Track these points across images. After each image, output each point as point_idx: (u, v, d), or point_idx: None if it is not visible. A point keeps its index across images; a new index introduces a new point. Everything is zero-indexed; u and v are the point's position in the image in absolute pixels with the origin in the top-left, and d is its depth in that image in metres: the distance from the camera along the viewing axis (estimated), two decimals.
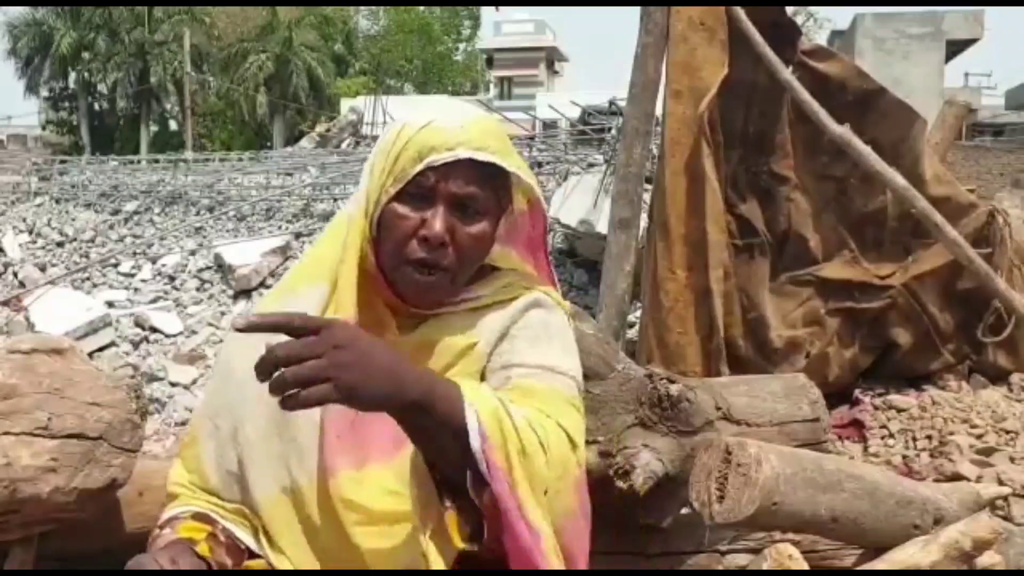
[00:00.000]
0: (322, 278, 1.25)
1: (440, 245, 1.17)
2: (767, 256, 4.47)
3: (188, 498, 1.28)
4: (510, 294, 1.28)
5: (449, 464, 1.04)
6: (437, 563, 1.05)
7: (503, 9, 42.97)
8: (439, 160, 1.16)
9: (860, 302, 4.50)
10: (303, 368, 0.93)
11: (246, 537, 1.25)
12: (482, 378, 1.23)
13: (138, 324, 9.24)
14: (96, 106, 39.89)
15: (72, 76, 39.09)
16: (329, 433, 1.18)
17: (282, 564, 1.21)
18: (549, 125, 17.62)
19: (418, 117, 1.20)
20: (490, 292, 1.28)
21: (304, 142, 21.25)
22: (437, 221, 1.17)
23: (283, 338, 1.24)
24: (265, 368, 0.93)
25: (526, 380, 1.18)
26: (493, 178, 1.20)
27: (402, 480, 1.14)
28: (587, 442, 1.40)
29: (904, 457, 3.92)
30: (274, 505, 1.22)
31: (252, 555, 1.25)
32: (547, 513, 1.05)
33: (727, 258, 4.28)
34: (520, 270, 1.35)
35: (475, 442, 1.01)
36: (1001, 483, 3.32)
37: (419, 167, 1.16)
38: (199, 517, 1.25)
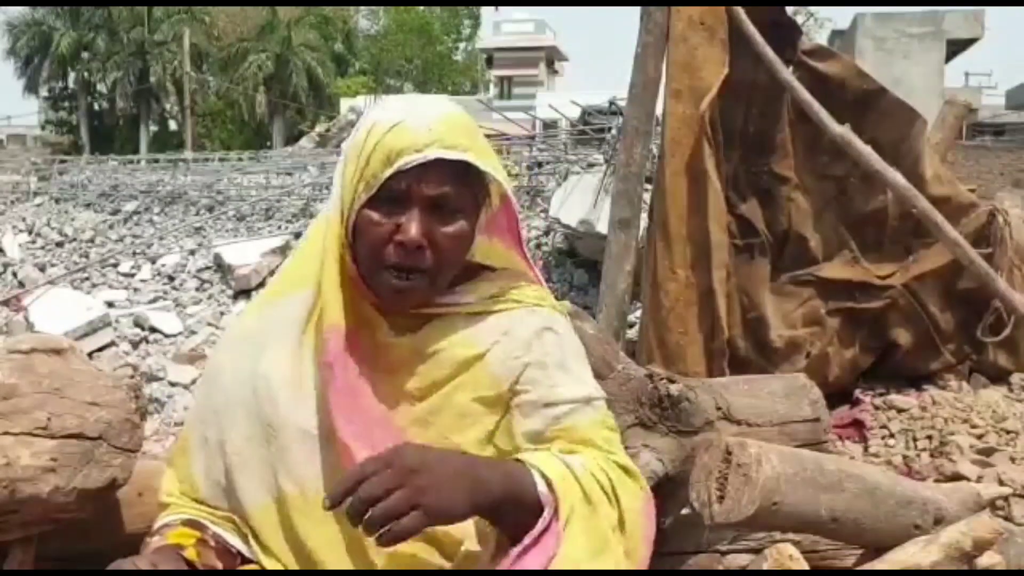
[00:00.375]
0: (306, 283, 1.24)
1: (417, 249, 1.15)
2: (767, 256, 4.47)
3: (179, 507, 1.27)
4: (505, 303, 1.25)
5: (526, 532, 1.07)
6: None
7: (502, 9, 42.99)
8: (409, 163, 1.13)
9: (860, 302, 4.50)
10: (387, 504, 0.95)
11: (237, 542, 1.24)
12: (504, 399, 1.22)
13: (138, 324, 9.24)
14: (96, 106, 39.88)
15: (72, 76, 39.09)
16: (345, 434, 1.16)
17: (275, 566, 1.21)
18: (549, 125, 17.61)
19: (386, 116, 1.17)
20: (483, 297, 1.25)
21: (304, 142, 21.27)
22: (412, 225, 1.14)
23: (287, 327, 1.22)
24: (355, 513, 0.96)
25: (573, 419, 1.19)
26: (467, 175, 1.17)
27: None
28: None
29: (904, 457, 3.92)
30: (263, 513, 1.21)
31: (244, 560, 1.24)
32: (623, 555, 1.10)
33: (728, 258, 4.28)
34: (510, 265, 1.32)
35: (548, 513, 1.05)
36: (1002, 483, 3.32)
37: (389, 171, 1.13)
38: (189, 524, 1.24)
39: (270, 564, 1.21)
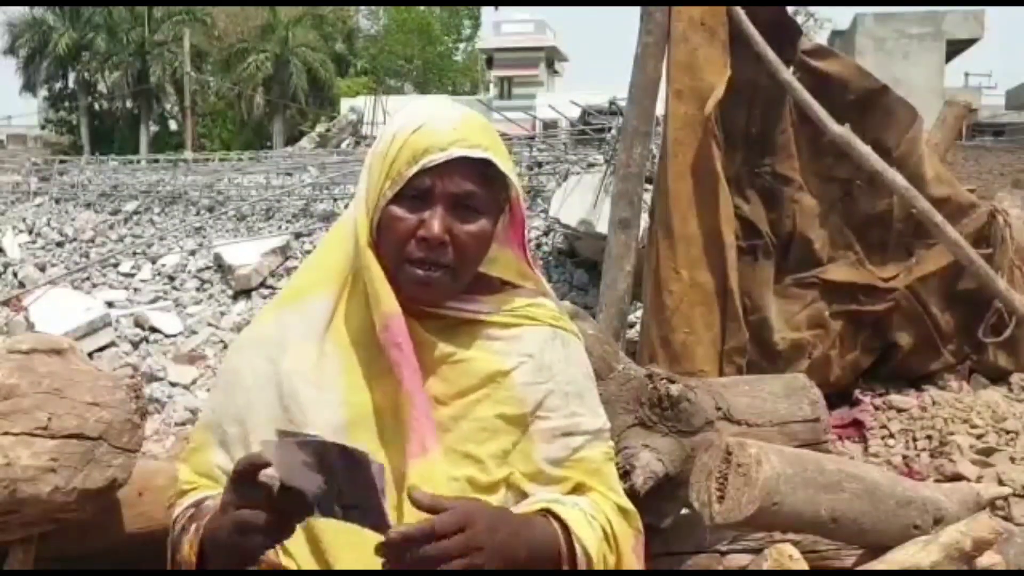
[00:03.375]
0: (330, 284, 1.27)
1: (439, 245, 1.19)
2: (771, 258, 4.45)
3: (204, 488, 1.27)
4: (525, 318, 1.30)
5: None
6: None
7: (502, 9, 42.95)
8: (434, 161, 1.17)
9: (864, 305, 4.49)
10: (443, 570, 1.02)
11: None
12: (525, 420, 1.26)
13: (138, 324, 9.23)
14: (96, 106, 39.85)
15: (72, 76, 39.08)
16: (419, 410, 1.20)
17: (288, 564, 1.21)
18: (549, 125, 17.60)
19: (410, 120, 1.22)
20: (502, 310, 1.29)
21: (304, 142, 21.26)
22: (435, 222, 1.18)
23: (309, 329, 1.26)
24: (399, 554, 1.00)
25: (586, 451, 1.27)
26: (488, 176, 1.22)
27: (434, 482, 1.17)
28: None
29: (904, 457, 3.92)
30: None
31: None
32: None
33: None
34: (521, 275, 1.35)
35: None
36: (1001, 483, 3.32)
37: (414, 169, 1.18)
38: None
39: (286, 560, 1.21)
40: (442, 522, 1.03)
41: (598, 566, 1.17)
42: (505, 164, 1.23)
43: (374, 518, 0.98)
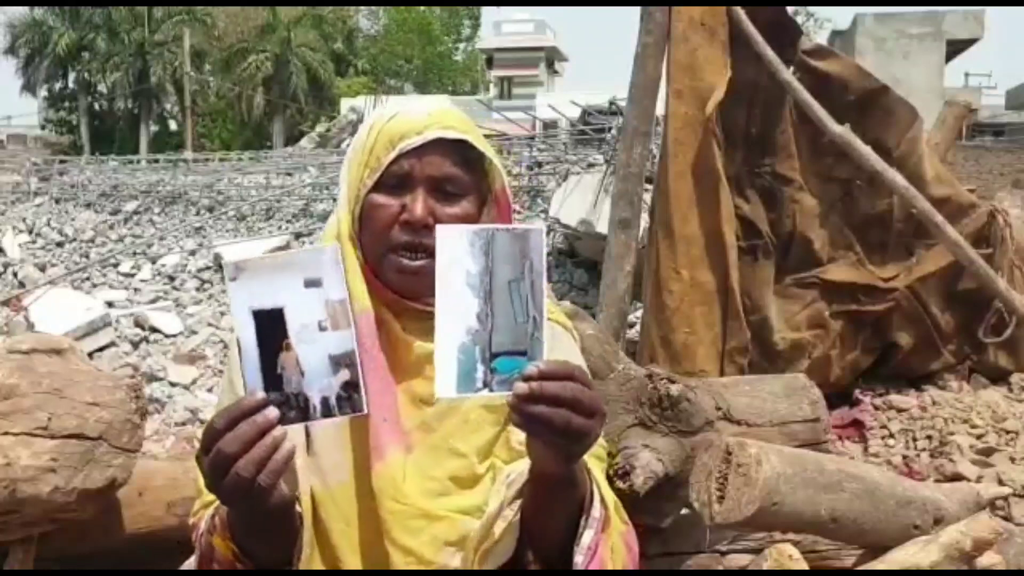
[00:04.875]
0: None
1: (423, 228, 1.17)
2: (771, 258, 4.45)
3: None
4: None
5: (545, 524, 1.10)
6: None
7: (502, 9, 42.94)
8: (411, 144, 1.18)
9: (864, 305, 4.49)
10: (577, 422, 0.95)
11: None
12: (506, 410, 1.23)
13: (138, 324, 9.23)
14: (96, 106, 39.86)
15: (72, 76, 39.11)
16: (376, 417, 1.16)
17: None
18: (549, 125, 17.60)
19: (386, 112, 1.24)
20: None
21: (304, 142, 21.28)
22: (418, 204, 1.18)
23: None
24: (529, 394, 0.93)
25: None
26: (468, 160, 1.22)
27: (431, 481, 1.16)
28: None
29: (904, 457, 3.92)
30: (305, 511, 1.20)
31: None
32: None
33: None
34: None
35: (588, 536, 1.09)
36: (1001, 483, 3.32)
37: (392, 154, 1.18)
38: None
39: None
40: (582, 373, 0.98)
41: (609, 532, 1.12)
42: (484, 148, 1.22)
43: (536, 295, 0.95)
